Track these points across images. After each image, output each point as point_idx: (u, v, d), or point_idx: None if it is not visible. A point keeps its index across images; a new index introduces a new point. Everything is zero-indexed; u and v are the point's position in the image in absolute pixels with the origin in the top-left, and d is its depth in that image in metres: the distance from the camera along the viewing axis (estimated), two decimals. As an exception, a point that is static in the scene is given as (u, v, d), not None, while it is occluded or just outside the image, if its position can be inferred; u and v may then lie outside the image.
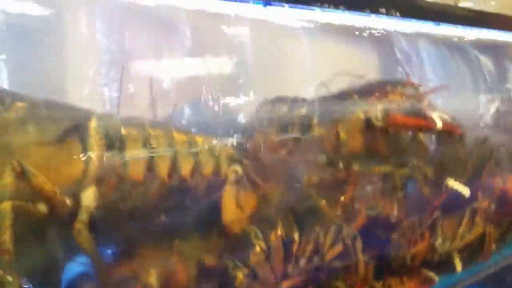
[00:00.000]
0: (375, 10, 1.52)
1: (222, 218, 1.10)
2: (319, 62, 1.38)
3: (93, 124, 0.98)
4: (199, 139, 1.11)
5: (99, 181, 0.98)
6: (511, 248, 1.90)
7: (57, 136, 0.95)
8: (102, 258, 0.97)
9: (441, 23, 1.76)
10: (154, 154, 1.04)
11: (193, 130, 1.12)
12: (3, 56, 0.91)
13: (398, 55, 1.59)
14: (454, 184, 1.52)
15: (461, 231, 1.62)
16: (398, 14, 1.57)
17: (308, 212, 1.25)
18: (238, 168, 1.14)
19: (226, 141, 1.15)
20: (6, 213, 0.83)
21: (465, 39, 1.92)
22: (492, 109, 1.86)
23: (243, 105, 1.21)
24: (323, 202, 1.26)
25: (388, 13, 1.54)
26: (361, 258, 1.30)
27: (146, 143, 1.04)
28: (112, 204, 1.01)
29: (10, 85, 0.93)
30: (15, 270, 0.83)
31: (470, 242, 1.69)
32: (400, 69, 1.57)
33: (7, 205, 0.83)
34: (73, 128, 0.97)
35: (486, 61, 1.91)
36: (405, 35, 1.65)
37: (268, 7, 1.29)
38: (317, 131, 1.29)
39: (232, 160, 1.15)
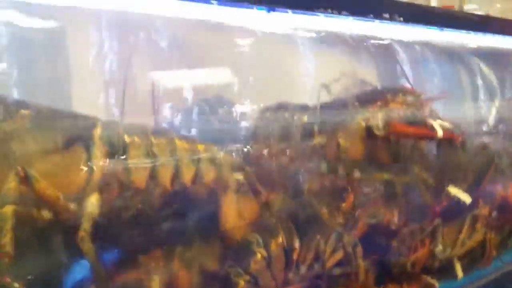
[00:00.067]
0: (378, 16, 1.52)
1: (223, 225, 1.11)
2: (320, 70, 1.39)
3: (97, 132, 1.00)
4: (201, 147, 1.12)
5: (103, 188, 0.99)
6: (512, 254, 1.90)
7: (62, 144, 0.96)
8: (102, 266, 0.98)
9: (445, 28, 1.76)
10: (156, 162, 1.05)
11: (195, 138, 1.13)
12: (11, 66, 0.92)
13: (400, 63, 1.59)
14: (455, 191, 1.53)
15: (461, 238, 1.62)
16: (401, 19, 1.57)
17: (309, 220, 1.26)
18: (239, 176, 1.15)
19: (228, 149, 1.16)
20: (8, 216, 0.84)
21: (466, 46, 1.92)
22: (493, 116, 1.87)
23: (244, 113, 1.22)
24: (324, 210, 1.26)
25: (391, 19, 1.54)
26: (362, 265, 1.31)
27: (148, 151, 1.05)
28: (115, 211, 1.02)
29: (17, 94, 0.94)
30: (22, 278, 0.85)
31: (470, 248, 1.69)
32: (401, 77, 1.58)
33: (9, 209, 0.85)
34: (77, 136, 0.98)
35: (487, 68, 1.92)
36: (406, 43, 1.66)
37: (272, 13, 1.30)
38: (318, 139, 1.30)
39: (233, 168, 1.16)
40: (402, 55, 1.58)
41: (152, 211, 1.06)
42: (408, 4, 2.05)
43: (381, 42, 1.57)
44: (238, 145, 1.18)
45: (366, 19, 1.51)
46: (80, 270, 1.00)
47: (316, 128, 1.30)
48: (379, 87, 1.52)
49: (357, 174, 1.33)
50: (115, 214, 1.02)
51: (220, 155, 1.14)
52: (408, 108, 1.42)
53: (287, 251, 1.18)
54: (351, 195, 1.32)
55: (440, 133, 1.40)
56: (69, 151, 0.97)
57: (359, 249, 1.29)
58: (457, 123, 1.53)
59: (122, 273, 1.03)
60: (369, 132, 1.34)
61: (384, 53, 1.59)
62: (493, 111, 1.87)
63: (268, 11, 1.29)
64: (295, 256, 1.18)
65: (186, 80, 1.17)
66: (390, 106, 1.38)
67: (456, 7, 4.49)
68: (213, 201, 1.13)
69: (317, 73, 1.38)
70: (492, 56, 2.02)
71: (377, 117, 1.33)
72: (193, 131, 1.16)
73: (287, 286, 1.18)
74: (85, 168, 0.97)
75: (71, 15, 0.95)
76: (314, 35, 1.42)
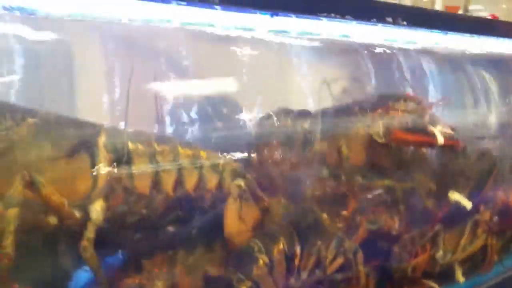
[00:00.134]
0: (381, 20, 1.52)
1: (225, 232, 1.13)
2: (321, 76, 1.40)
3: (102, 139, 1.02)
4: (203, 154, 1.14)
5: (107, 195, 1.01)
6: (514, 260, 1.90)
7: (67, 151, 0.98)
8: (105, 273, 0.99)
9: (449, 32, 1.76)
10: (159, 169, 1.07)
11: (197, 145, 1.15)
12: (18, 77, 0.94)
13: (401, 69, 1.60)
14: (456, 197, 1.53)
15: (462, 244, 1.63)
16: (405, 23, 1.57)
17: (310, 226, 1.27)
18: (241, 182, 1.16)
19: (229, 156, 1.18)
20: (12, 219, 0.86)
21: (470, 51, 1.92)
22: (495, 122, 1.87)
23: (246, 120, 1.23)
24: (325, 216, 1.28)
25: (395, 22, 1.54)
26: (362, 270, 1.32)
27: (152, 158, 1.07)
28: (118, 217, 1.04)
29: (23, 104, 0.96)
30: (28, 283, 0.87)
31: (472, 253, 1.70)
32: (402, 83, 1.58)
33: (13, 211, 0.87)
34: (82, 144, 1.00)
35: (489, 74, 1.92)
36: (408, 50, 1.66)
37: (275, 17, 1.31)
38: (319, 146, 1.31)
39: (235, 174, 1.17)
40: (404, 62, 1.59)
41: (155, 217, 1.08)
42: (412, 8, 2.06)
43: (383, 49, 1.58)
44: (240, 152, 1.19)
45: (369, 23, 1.51)
46: (84, 275, 1.01)
47: (317, 134, 1.31)
48: (380, 93, 1.53)
49: (358, 180, 1.34)
50: (118, 220, 1.04)
51: (222, 162, 1.16)
52: (409, 115, 1.42)
53: (289, 257, 1.19)
54: (352, 201, 1.33)
55: (441, 140, 1.40)
56: (74, 158, 0.99)
57: (360, 255, 1.30)
58: (459, 128, 1.53)
59: (125, 278, 1.05)
60: (370, 139, 1.35)
61: (386, 59, 1.60)
62: (495, 116, 1.87)
63: (272, 15, 1.29)
64: (296, 262, 1.20)
65: (189, 89, 1.19)
66: (391, 113, 1.39)
67: (462, 8, 4.49)
68: (215, 207, 1.15)
69: (318, 79, 1.39)
70: (495, 61, 2.02)
71: (378, 124, 1.34)
72: (196, 138, 1.17)
73: (289, 292, 1.19)
74: (91, 175, 0.99)
75: (77, 27, 0.97)
76: (315, 43, 1.42)
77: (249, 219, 1.16)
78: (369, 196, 1.39)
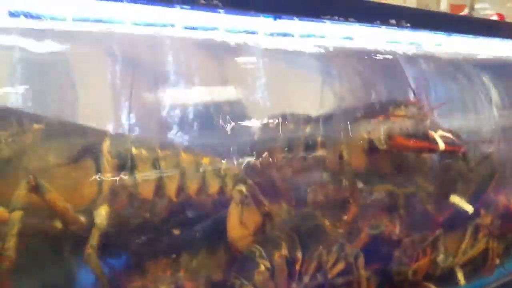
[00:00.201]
0: (385, 22, 1.53)
1: (227, 236, 1.14)
2: (323, 82, 1.41)
3: (106, 145, 1.03)
4: (205, 159, 1.15)
5: (111, 200, 1.02)
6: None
7: (72, 156, 1.00)
8: (108, 278, 1.01)
9: (452, 34, 1.76)
10: (163, 174, 1.08)
11: (200, 150, 1.16)
12: (23, 88, 0.96)
13: (402, 74, 1.60)
14: (457, 201, 1.54)
15: (463, 247, 1.63)
16: (408, 25, 1.57)
17: (312, 231, 1.28)
18: (242, 188, 1.17)
19: (232, 161, 1.19)
20: (15, 222, 0.88)
21: (472, 54, 1.92)
22: (496, 126, 1.87)
23: (249, 127, 1.24)
24: (327, 221, 1.29)
25: (398, 24, 1.55)
26: (364, 274, 1.33)
27: (155, 163, 1.08)
28: (122, 222, 1.05)
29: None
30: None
31: (473, 257, 1.70)
32: (404, 88, 1.59)
33: (17, 214, 0.88)
34: (87, 149, 1.02)
35: (491, 78, 1.91)
36: (411, 55, 1.66)
37: (278, 20, 1.31)
38: (320, 151, 1.31)
39: (237, 180, 1.18)
40: (405, 66, 1.59)
41: (158, 221, 1.10)
42: (415, 9, 2.06)
43: (385, 55, 1.58)
44: (242, 157, 1.20)
45: (373, 25, 1.51)
46: (88, 278, 1.03)
47: (319, 139, 1.32)
48: (381, 99, 1.53)
49: (359, 185, 1.35)
50: (122, 224, 1.05)
51: (224, 167, 1.17)
52: (410, 121, 1.43)
53: (290, 262, 1.20)
54: (353, 206, 1.34)
55: (442, 146, 1.41)
56: (79, 164, 1.01)
57: (361, 260, 1.31)
58: (460, 133, 1.53)
59: (129, 282, 1.06)
60: (371, 145, 1.36)
61: (388, 65, 1.60)
62: (497, 120, 1.87)
63: (275, 18, 1.30)
64: (298, 267, 1.21)
65: (190, 94, 1.20)
66: (392, 119, 1.39)
67: (467, 6, 4.47)
68: (217, 212, 1.16)
69: (319, 84, 1.40)
70: (498, 64, 2.02)
71: (379, 131, 1.35)
72: (199, 144, 1.18)
73: (290, 296, 1.21)
74: (95, 180, 1.00)
75: (80, 38, 0.98)
76: (318, 47, 1.43)
77: (250, 224, 1.17)
78: (370, 201, 1.40)
